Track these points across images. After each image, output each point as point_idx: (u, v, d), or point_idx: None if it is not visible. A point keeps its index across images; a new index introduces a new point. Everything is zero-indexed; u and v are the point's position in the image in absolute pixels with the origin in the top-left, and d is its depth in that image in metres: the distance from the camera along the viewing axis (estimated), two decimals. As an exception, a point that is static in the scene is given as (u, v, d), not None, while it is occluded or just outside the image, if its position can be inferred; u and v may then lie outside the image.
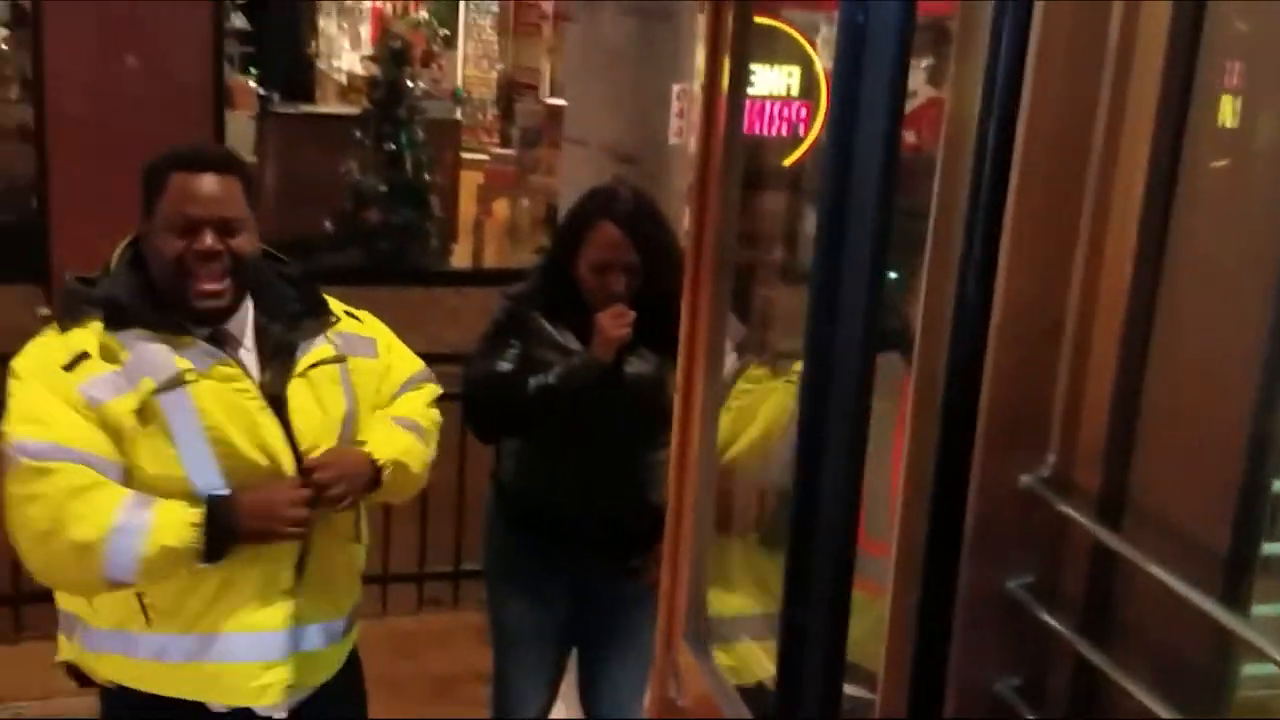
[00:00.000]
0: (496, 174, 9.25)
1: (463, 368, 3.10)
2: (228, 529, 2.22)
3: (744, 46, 1.42)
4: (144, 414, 2.20)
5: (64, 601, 2.41)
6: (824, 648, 1.19)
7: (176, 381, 2.22)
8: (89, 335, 2.24)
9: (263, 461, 2.29)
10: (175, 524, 2.19)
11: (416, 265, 8.07)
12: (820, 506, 1.19)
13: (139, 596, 2.30)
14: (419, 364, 2.67)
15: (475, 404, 3.10)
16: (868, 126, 1.09)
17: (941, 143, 1.10)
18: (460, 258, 8.68)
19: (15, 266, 7.07)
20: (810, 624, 1.19)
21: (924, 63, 2.73)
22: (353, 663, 2.62)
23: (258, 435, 2.29)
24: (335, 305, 2.53)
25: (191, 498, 2.24)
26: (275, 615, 2.35)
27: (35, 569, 2.27)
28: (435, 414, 2.63)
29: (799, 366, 2.28)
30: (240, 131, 7.89)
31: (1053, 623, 1.07)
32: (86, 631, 2.39)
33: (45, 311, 2.38)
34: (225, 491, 2.25)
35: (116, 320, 2.24)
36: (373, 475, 2.39)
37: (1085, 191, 1.03)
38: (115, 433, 2.20)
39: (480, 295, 8.40)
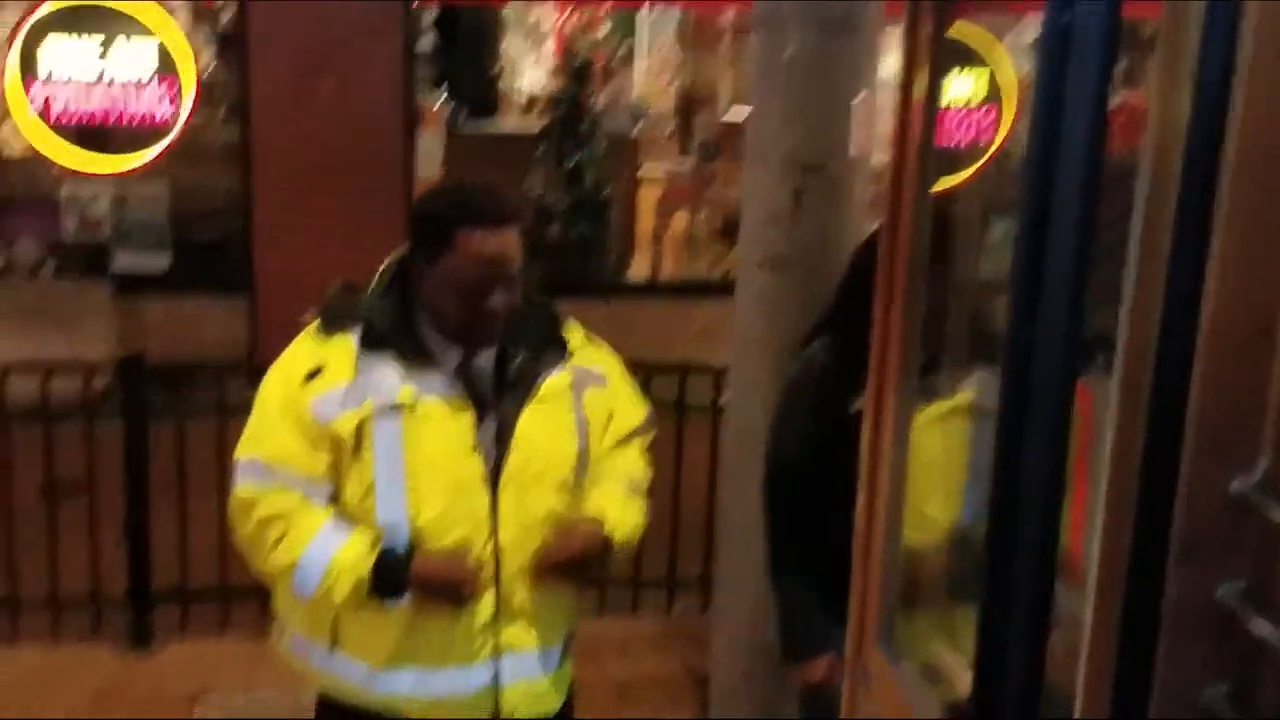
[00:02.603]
0: (674, 188, 9.33)
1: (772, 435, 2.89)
2: (395, 588, 2.28)
3: (941, 55, 1.42)
4: (360, 434, 2.27)
5: (276, 599, 2.53)
6: (1023, 667, 1.18)
7: (395, 408, 2.27)
8: (341, 346, 2.31)
9: (454, 502, 2.30)
10: (346, 574, 2.26)
11: (596, 278, 8.19)
12: (1019, 526, 1.18)
13: (335, 620, 2.36)
14: (644, 410, 2.64)
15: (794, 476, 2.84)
16: (1072, 132, 1.08)
17: (1147, 146, 1.09)
18: (639, 270, 8.78)
19: (223, 280, 7.46)
20: (1009, 640, 1.19)
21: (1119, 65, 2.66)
22: (568, 702, 2.57)
23: (460, 475, 2.30)
24: (576, 333, 2.51)
25: (382, 525, 2.28)
26: (473, 649, 2.35)
27: (254, 569, 2.42)
28: (649, 468, 2.61)
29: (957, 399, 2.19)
30: (428, 150, 8.15)
31: (1265, 631, 1.05)
32: (293, 634, 2.48)
33: (305, 316, 2.45)
34: (399, 549, 2.27)
35: (370, 340, 2.31)
36: (604, 550, 2.41)
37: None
38: (336, 449, 2.29)
39: (657, 307, 8.52)
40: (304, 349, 2.36)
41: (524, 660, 2.41)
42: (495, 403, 2.37)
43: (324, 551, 2.27)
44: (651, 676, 4.54)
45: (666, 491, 4.72)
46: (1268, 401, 1.06)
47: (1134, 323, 1.11)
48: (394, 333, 2.32)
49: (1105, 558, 1.15)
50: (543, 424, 2.38)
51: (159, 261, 7.40)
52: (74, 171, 7.18)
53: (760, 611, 4.08)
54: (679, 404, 4.77)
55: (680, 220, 9.00)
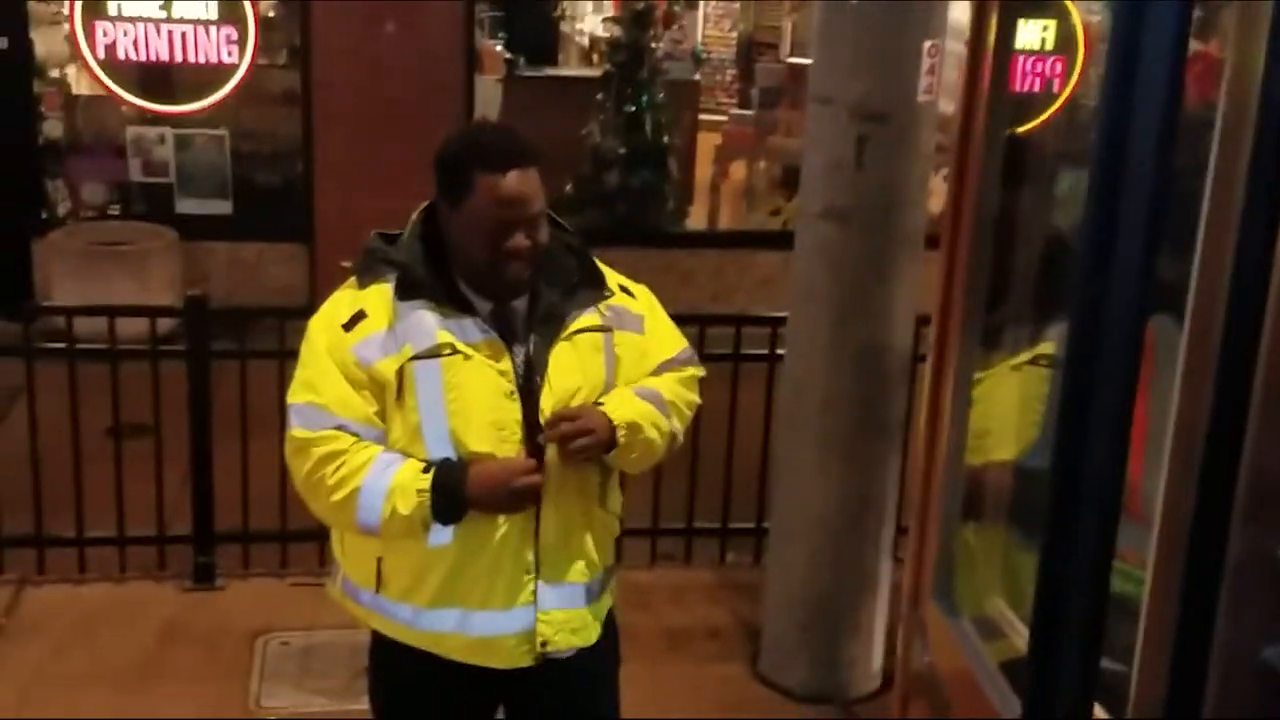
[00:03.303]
0: (734, 135, 9.23)
1: None
2: (455, 497, 2.30)
3: (1011, 1, 1.40)
4: (402, 379, 2.32)
5: (332, 542, 2.59)
6: (1083, 618, 1.18)
7: (433, 353, 2.31)
8: (378, 295, 2.36)
9: (495, 442, 2.33)
10: (407, 490, 2.30)
11: (654, 227, 8.16)
12: (1085, 473, 1.17)
13: (378, 563, 2.42)
14: (681, 344, 2.65)
15: None
16: (1148, 83, 1.06)
17: (1222, 99, 1.07)
18: (697, 220, 8.73)
19: (283, 226, 7.52)
20: (1071, 590, 1.18)
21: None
22: (608, 636, 2.59)
23: (498, 416, 2.34)
24: (612, 277, 2.54)
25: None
26: (515, 591, 2.40)
27: (313, 511, 2.47)
28: (689, 395, 2.60)
29: (1042, 348, 2.16)
30: (488, 95, 8.13)
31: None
32: (343, 577, 2.54)
33: (346, 264, 2.48)
34: (454, 459, 2.32)
35: (406, 287, 2.35)
36: (610, 434, 2.39)
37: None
38: (380, 393, 2.33)
39: (715, 257, 8.48)
40: (343, 298, 2.41)
41: (564, 592, 2.44)
42: (526, 341, 2.39)
43: (384, 475, 2.31)
44: (703, 626, 4.56)
45: (720, 442, 4.72)
46: (1340, 360, 1.05)
47: (1203, 277, 1.10)
48: (428, 280, 2.35)
49: (1168, 514, 1.14)
50: (570, 362, 2.41)
51: (221, 206, 7.47)
52: (140, 113, 7.30)
53: (813, 564, 4.09)
54: (735, 354, 4.75)
55: (739, 169, 8.93)
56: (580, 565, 2.47)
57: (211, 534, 4.57)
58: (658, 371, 2.58)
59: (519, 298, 2.41)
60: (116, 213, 7.47)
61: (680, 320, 2.77)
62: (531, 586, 2.41)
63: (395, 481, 2.31)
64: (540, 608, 2.42)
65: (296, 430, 2.37)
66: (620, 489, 2.60)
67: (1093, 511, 1.15)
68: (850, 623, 4.08)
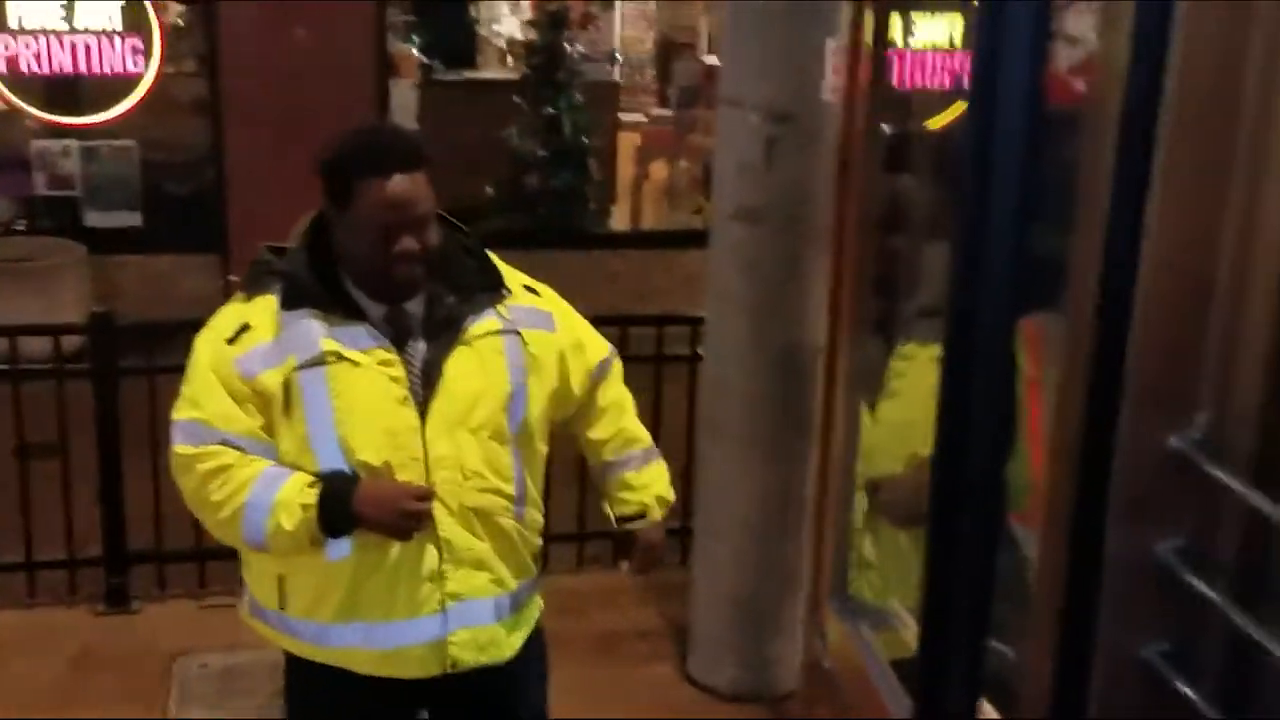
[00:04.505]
0: (654, 135, 9.24)
1: None
2: (342, 512, 2.25)
3: None
4: (288, 390, 2.27)
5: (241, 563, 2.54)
6: (969, 617, 1.18)
7: (318, 361, 2.27)
8: (264, 307, 2.31)
9: (390, 450, 2.29)
10: (291, 506, 2.25)
11: (576, 229, 8.13)
12: (967, 471, 1.17)
13: (280, 581, 2.37)
14: (604, 343, 2.67)
15: None
16: (1009, 77, 1.05)
17: (1090, 95, 1.07)
18: (620, 220, 8.72)
19: (195, 237, 7.40)
20: (955, 590, 1.18)
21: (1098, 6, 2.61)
22: (533, 647, 2.57)
23: (391, 423, 2.29)
24: (514, 278, 2.51)
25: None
26: (418, 601, 2.35)
27: (206, 528, 2.43)
28: (631, 402, 2.72)
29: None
30: (404, 100, 8.05)
31: (1203, 588, 1.04)
32: (250, 596, 2.49)
33: (233, 278, 2.43)
34: (346, 471, 2.27)
35: (291, 297, 2.31)
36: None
37: (1237, 146, 0.99)
38: (265, 406, 2.29)
39: (639, 257, 8.47)
40: (230, 312, 2.36)
41: (470, 607, 2.40)
42: (424, 347, 2.35)
43: (269, 490, 2.26)
44: (632, 628, 4.55)
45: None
46: (1205, 359, 1.05)
47: (1076, 276, 1.09)
48: (314, 288, 2.31)
49: (1051, 513, 1.14)
50: (469, 367, 2.37)
51: (131, 218, 7.33)
52: (44, 126, 7.13)
53: (737, 563, 4.10)
54: (657, 355, 4.74)
55: (660, 169, 8.93)
56: (485, 580, 2.41)
57: (124, 555, 4.47)
58: (597, 377, 2.60)
59: (411, 299, 2.36)
60: (22, 228, 7.31)
61: (601, 322, 2.77)
62: (437, 596, 2.36)
63: (280, 497, 2.26)
64: (448, 626, 2.38)
65: (179, 447, 2.32)
66: (540, 502, 2.55)
67: (975, 511, 1.14)
68: (774, 620, 4.09)
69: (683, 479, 4.72)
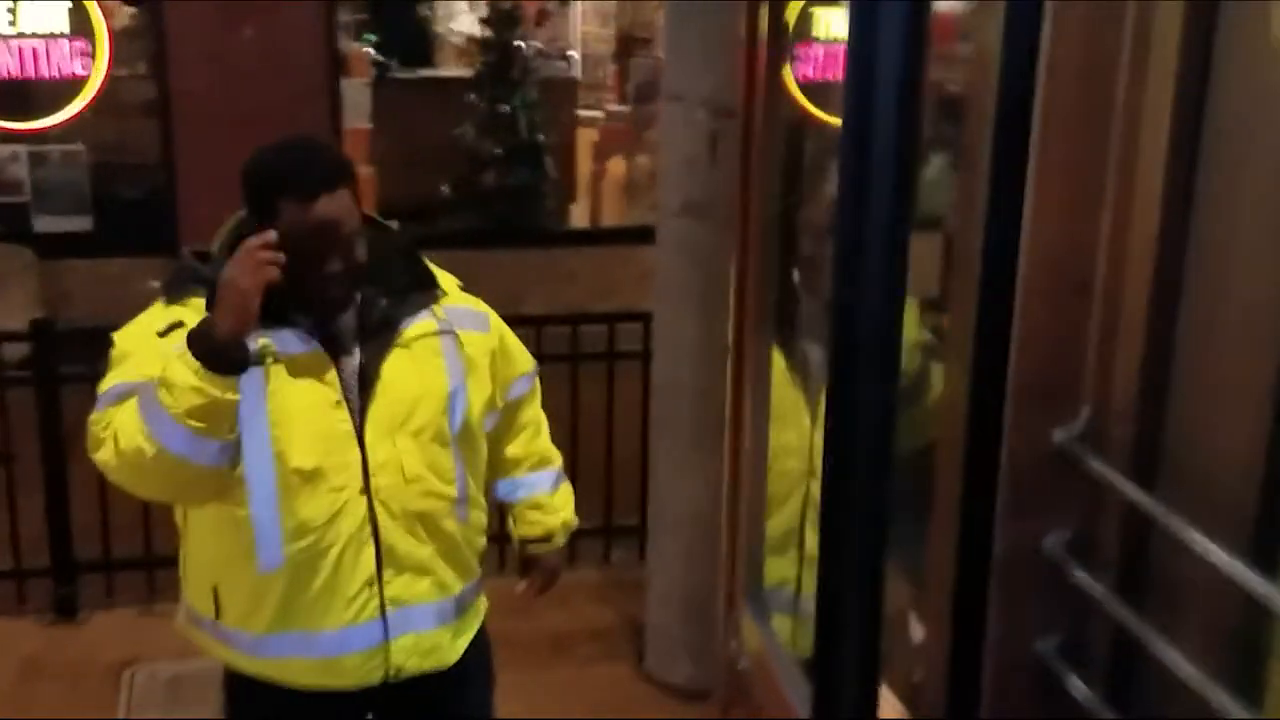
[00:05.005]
0: (612, 132, 9.21)
1: None
2: (206, 330, 2.10)
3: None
4: None
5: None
6: (861, 609, 1.17)
7: (253, 361, 2.19)
8: (194, 310, 2.23)
9: (323, 454, 2.25)
10: (170, 366, 2.09)
11: (534, 226, 8.10)
12: (854, 469, 1.16)
13: (214, 590, 2.34)
14: (530, 358, 2.69)
15: None
16: (885, 70, 1.04)
17: (967, 89, 1.06)
18: (579, 218, 8.69)
19: (147, 239, 7.31)
20: (846, 589, 1.18)
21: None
22: (478, 650, 2.55)
23: (323, 427, 2.25)
24: (448, 281, 2.48)
25: (249, 482, 2.22)
26: (356, 606, 2.30)
27: (128, 483, 2.29)
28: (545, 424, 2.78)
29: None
30: (357, 98, 8.00)
31: (1087, 581, 1.04)
32: (187, 605, 2.45)
33: (155, 284, 2.37)
34: (273, 477, 2.22)
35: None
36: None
37: (1110, 143, 0.99)
38: None
39: (598, 255, 8.43)
40: (155, 313, 2.30)
41: (413, 613, 2.37)
42: (358, 351, 2.32)
43: (152, 381, 2.13)
44: (589, 627, 4.54)
45: (601, 440, 4.70)
46: (1086, 355, 1.05)
47: (959, 272, 1.09)
48: None
49: (937, 511, 1.13)
50: (407, 369, 2.34)
51: (81, 222, 7.26)
52: (-10, 132, 7.05)
53: (689, 559, 4.09)
54: (609, 353, 4.73)
55: (617, 165, 8.90)
56: (427, 585, 2.39)
57: (71, 564, 4.44)
58: (521, 390, 2.62)
59: (340, 316, 2.32)
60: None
61: (551, 321, 2.79)
62: (375, 602, 2.33)
63: (160, 376, 2.11)
64: (390, 633, 2.35)
65: (100, 413, 2.20)
66: (484, 502, 2.54)
67: (862, 511, 1.14)
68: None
69: (641, 477, 4.75)
